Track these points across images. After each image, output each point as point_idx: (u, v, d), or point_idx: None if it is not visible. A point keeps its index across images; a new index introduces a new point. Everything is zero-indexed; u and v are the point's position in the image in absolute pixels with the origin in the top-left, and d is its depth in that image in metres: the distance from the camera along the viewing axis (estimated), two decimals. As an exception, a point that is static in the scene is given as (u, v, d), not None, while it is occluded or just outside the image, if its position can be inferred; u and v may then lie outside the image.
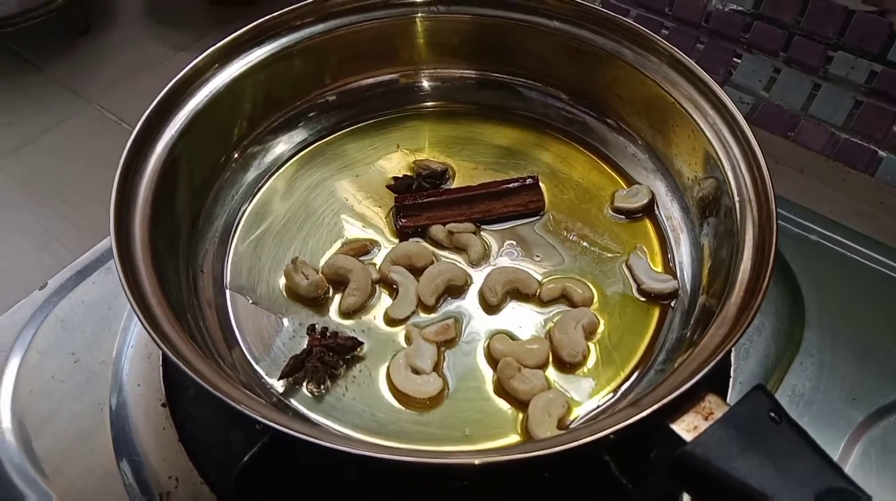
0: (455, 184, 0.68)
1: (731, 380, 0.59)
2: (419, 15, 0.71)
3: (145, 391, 0.60)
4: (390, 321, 0.59)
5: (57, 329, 0.65)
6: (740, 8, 0.88)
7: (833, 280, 0.67)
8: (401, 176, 0.69)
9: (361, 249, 0.63)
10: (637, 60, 0.65)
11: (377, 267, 0.62)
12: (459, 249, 0.63)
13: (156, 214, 0.56)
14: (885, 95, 0.83)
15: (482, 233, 0.64)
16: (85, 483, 0.57)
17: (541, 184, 0.67)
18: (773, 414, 0.41)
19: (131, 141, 0.57)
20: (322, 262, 0.62)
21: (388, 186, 0.68)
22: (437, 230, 0.63)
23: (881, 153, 0.85)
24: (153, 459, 0.57)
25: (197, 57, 0.63)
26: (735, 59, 0.92)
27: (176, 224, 0.60)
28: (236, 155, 0.68)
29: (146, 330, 0.47)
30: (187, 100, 0.62)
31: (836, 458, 0.56)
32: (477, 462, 0.42)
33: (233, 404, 0.43)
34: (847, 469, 0.56)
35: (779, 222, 0.52)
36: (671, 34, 0.95)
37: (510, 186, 0.65)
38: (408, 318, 0.58)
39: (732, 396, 0.58)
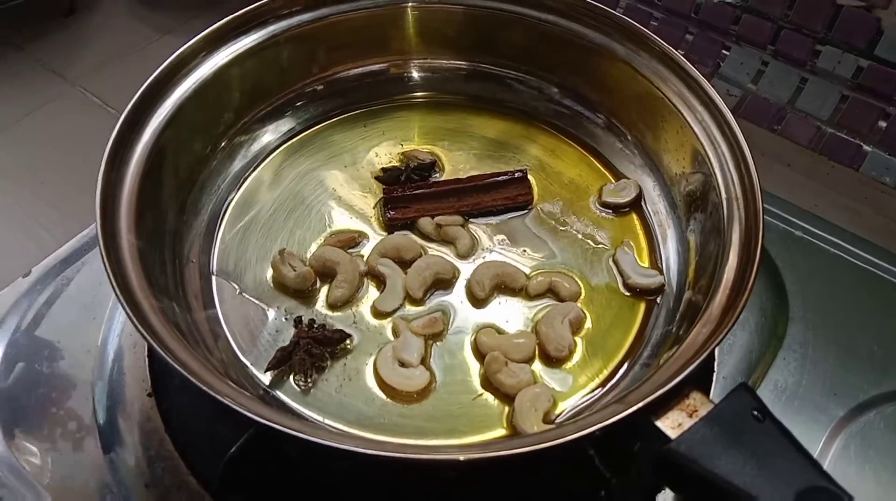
0: (444, 176, 0.68)
1: (714, 375, 0.60)
2: (410, 4, 0.71)
3: (131, 381, 0.60)
4: (378, 313, 0.58)
5: (41, 317, 0.65)
6: (730, 0, 0.88)
7: (817, 276, 0.68)
8: (389, 167, 0.68)
9: (349, 241, 0.63)
10: (628, 55, 0.64)
11: (365, 259, 0.61)
12: (447, 242, 0.63)
13: (141, 203, 0.55)
14: (871, 90, 0.84)
15: (470, 226, 0.64)
16: (70, 472, 0.56)
17: (529, 177, 0.67)
18: (756, 413, 0.42)
19: (117, 130, 0.56)
20: (309, 253, 0.62)
21: (377, 178, 0.68)
22: (426, 223, 0.63)
23: (866, 148, 0.86)
24: (139, 450, 0.56)
25: (183, 42, 0.62)
26: (724, 51, 0.92)
27: (162, 214, 0.59)
28: (223, 144, 0.67)
29: (131, 321, 0.46)
30: (174, 88, 0.61)
31: (816, 453, 0.57)
32: (462, 458, 0.42)
33: (218, 397, 0.43)
34: (827, 464, 0.57)
35: (765, 218, 0.52)
36: (660, 25, 0.95)
37: (499, 179, 0.65)
38: (395, 311, 0.58)
39: (715, 391, 0.58)
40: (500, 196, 0.65)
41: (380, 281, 0.60)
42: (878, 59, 0.82)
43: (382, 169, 0.68)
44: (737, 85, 0.92)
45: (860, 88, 0.84)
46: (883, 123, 0.84)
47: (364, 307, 0.59)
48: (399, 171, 0.68)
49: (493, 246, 0.63)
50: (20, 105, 1.07)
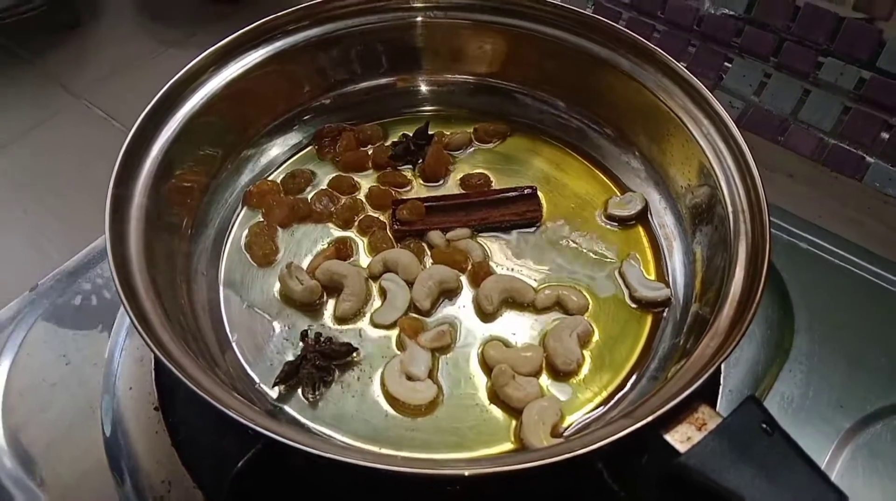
0: (449, 186, 0.69)
1: (720, 388, 0.59)
2: (417, 19, 0.71)
3: (138, 395, 0.60)
4: (375, 326, 0.59)
5: (48, 331, 0.65)
6: (732, 12, 0.89)
7: (822, 288, 0.68)
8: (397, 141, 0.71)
9: (343, 250, 0.63)
10: (632, 69, 0.65)
11: (367, 269, 0.62)
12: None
13: (150, 217, 0.56)
14: (874, 101, 0.84)
15: (479, 239, 0.64)
16: (76, 486, 0.57)
17: (539, 194, 0.67)
18: (765, 426, 0.42)
19: (126, 144, 0.57)
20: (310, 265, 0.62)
21: (390, 156, 0.69)
22: (435, 236, 0.64)
23: (869, 159, 0.86)
24: (146, 463, 0.56)
25: (188, 55, 0.63)
26: (726, 63, 0.93)
27: (170, 228, 0.60)
28: (231, 158, 0.67)
29: (139, 333, 0.46)
30: (182, 103, 0.61)
31: (823, 464, 0.57)
32: (467, 473, 0.42)
33: (226, 411, 0.43)
34: (834, 476, 0.57)
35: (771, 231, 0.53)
36: (663, 38, 0.95)
37: (508, 195, 0.66)
38: (394, 324, 0.58)
39: (722, 404, 0.58)
40: (509, 212, 0.65)
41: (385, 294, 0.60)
42: (879, 71, 0.82)
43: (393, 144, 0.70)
44: (739, 97, 0.92)
45: (862, 99, 0.84)
46: (885, 135, 0.84)
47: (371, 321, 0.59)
48: (404, 141, 0.70)
49: (500, 260, 0.63)
50: (27, 118, 1.08)
